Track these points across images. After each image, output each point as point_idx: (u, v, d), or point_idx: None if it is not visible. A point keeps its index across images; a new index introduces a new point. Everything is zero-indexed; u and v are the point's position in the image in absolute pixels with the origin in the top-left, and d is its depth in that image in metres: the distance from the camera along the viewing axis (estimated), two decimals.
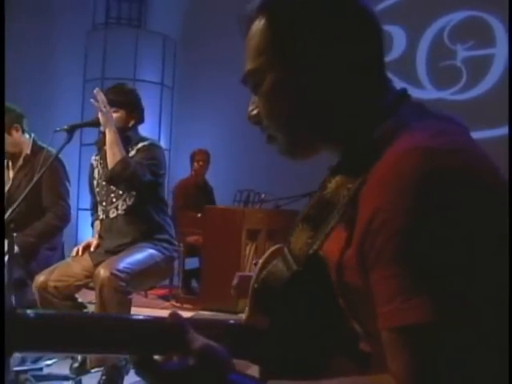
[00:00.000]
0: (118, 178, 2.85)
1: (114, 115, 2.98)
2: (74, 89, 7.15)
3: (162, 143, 7.37)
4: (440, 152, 0.73)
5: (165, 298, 5.83)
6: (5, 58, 3.48)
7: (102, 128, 2.91)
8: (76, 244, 3.29)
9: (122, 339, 0.77)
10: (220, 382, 0.76)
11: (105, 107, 2.80)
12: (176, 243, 3.32)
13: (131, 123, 3.09)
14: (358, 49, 0.88)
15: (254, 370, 0.90)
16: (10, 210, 2.56)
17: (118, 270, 2.71)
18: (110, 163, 2.85)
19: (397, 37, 6.47)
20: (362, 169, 0.80)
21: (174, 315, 0.80)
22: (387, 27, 6.49)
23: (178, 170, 6.82)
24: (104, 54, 7.28)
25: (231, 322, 0.91)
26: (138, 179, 2.88)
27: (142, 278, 2.91)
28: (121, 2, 7.74)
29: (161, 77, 7.50)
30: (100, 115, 2.82)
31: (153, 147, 3.11)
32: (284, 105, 0.91)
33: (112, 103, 2.98)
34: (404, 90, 0.91)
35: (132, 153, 3.04)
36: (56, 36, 7.55)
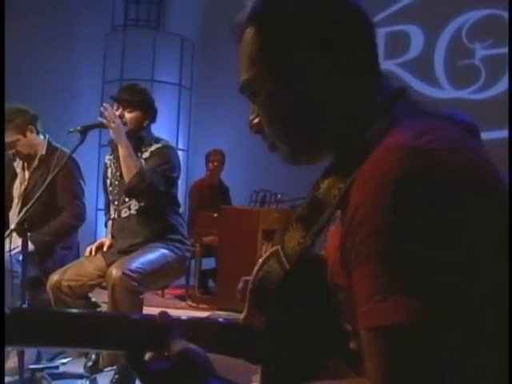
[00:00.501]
0: (135, 190, 2.90)
1: (129, 116, 3.01)
2: (92, 90, 7.21)
3: (180, 144, 7.42)
4: (422, 150, 0.72)
5: (181, 297, 5.85)
6: (5, 58, 3.51)
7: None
8: (95, 242, 3.32)
9: (112, 336, 0.79)
10: None
11: (114, 122, 2.81)
12: (188, 243, 3.33)
13: (145, 123, 3.11)
14: (350, 52, 0.87)
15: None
16: (24, 210, 2.59)
17: (130, 270, 2.74)
18: (126, 177, 2.88)
19: (414, 36, 6.43)
20: (352, 169, 0.80)
21: (162, 315, 0.82)
22: (405, 27, 6.47)
23: (196, 171, 6.86)
24: (122, 55, 7.34)
25: (222, 321, 0.91)
26: (155, 190, 2.92)
27: (154, 277, 2.93)
28: (139, 3, 7.80)
29: (179, 78, 7.54)
30: (111, 132, 2.84)
31: (166, 149, 3.12)
32: (280, 113, 0.91)
33: (127, 104, 3.02)
34: (401, 89, 0.90)
35: (146, 154, 3.06)
36: (75, 37, 7.63)
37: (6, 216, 3.34)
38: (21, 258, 2.59)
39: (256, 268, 0.97)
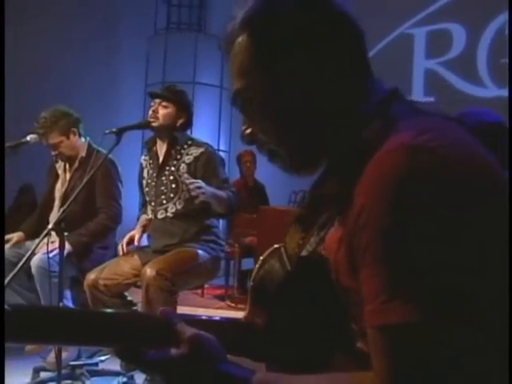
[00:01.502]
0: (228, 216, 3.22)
1: (163, 111, 3.06)
2: (135, 92, 7.34)
3: (222, 145, 7.48)
4: (423, 149, 0.72)
5: (220, 297, 5.90)
6: (4, 58, 3.60)
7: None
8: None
9: (114, 333, 0.80)
10: (210, 371, 0.78)
11: (200, 188, 2.81)
12: (223, 243, 3.35)
13: (179, 122, 3.13)
14: (341, 56, 0.88)
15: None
16: (61, 210, 2.66)
17: (164, 270, 2.77)
18: (219, 209, 2.96)
19: (456, 34, 6.31)
20: (349, 169, 0.80)
21: (164, 311, 0.83)
22: (446, 25, 6.35)
23: (237, 173, 6.89)
24: (165, 58, 7.46)
25: (224, 319, 0.93)
26: (236, 206, 3.06)
27: (188, 277, 2.97)
28: (181, 7, 7.91)
29: (220, 80, 7.60)
30: (203, 198, 2.84)
31: (212, 156, 3.17)
32: (275, 120, 0.91)
33: (162, 99, 3.09)
34: (393, 89, 0.90)
35: (188, 158, 3.09)
36: (118, 40, 7.79)
37: (47, 216, 3.43)
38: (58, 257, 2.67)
39: (257, 266, 0.98)
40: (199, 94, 7.23)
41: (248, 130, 0.95)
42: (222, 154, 6.08)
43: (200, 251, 3.04)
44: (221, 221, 6.30)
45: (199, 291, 5.75)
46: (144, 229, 3.21)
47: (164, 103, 3.07)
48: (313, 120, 0.89)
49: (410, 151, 0.72)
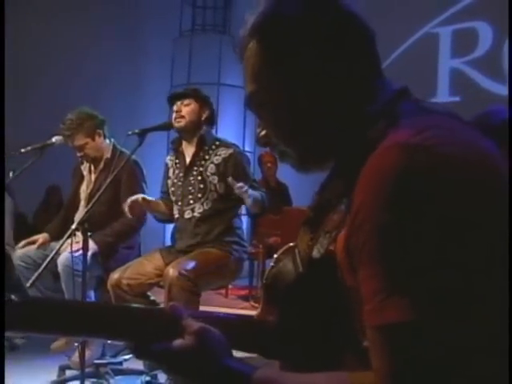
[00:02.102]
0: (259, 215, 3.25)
1: (186, 109, 3.10)
2: (161, 94, 7.38)
3: (247, 146, 7.49)
4: (418, 148, 0.72)
5: (244, 298, 5.91)
6: (5, 58, 3.64)
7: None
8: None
9: (123, 326, 0.83)
10: (211, 363, 0.81)
11: (242, 187, 2.86)
12: (246, 244, 3.37)
13: (204, 116, 3.16)
14: (350, 57, 0.89)
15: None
16: (85, 210, 2.70)
17: (187, 270, 2.79)
18: (254, 209, 3.00)
19: (482, 33, 6.21)
20: (354, 170, 0.81)
21: (172, 307, 0.86)
22: (472, 23, 6.27)
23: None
24: (190, 59, 7.51)
25: (237, 316, 0.95)
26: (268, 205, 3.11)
27: (210, 278, 2.99)
28: (206, 9, 7.96)
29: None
30: (246, 199, 2.90)
31: (242, 156, 3.21)
32: (285, 120, 0.93)
33: (182, 97, 3.14)
34: (401, 89, 0.91)
35: (215, 158, 3.12)
36: (143, 42, 7.87)
37: (72, 218, 3.48)
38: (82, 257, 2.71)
39: (271, 263, 1.00)
40: (224, 95, 7.26)
41: (262, 133, 0.98)
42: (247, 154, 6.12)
43: (223, 252, 3.05)
44: (244, 222, 6.35)
45: (223, 292, 5.78)
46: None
47: (186, 101, 3.11)
48: (320, 121, 0.91)
49: (405, 149, 0.73)
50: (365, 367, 0.85)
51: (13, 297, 0.77)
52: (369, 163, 0.76)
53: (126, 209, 2.97)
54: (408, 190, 0.70)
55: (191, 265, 2.85)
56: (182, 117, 3.09)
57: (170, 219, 3.32)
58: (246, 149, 7.39)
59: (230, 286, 5.85)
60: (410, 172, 0.71)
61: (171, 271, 2.78)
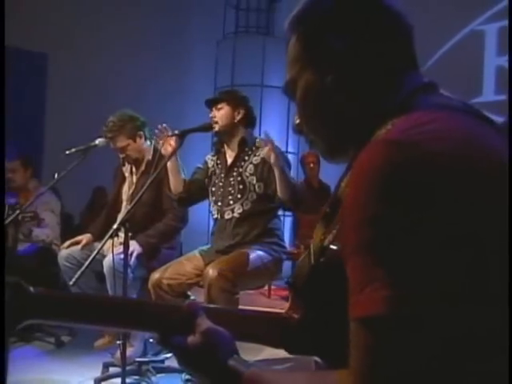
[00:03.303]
0: (292, 206, 3.13)
1: (219, 113, 3.16)
2: (204, 96, 7.43)
3: (290, 147, 7.50)
4: (404, 143, 0.72)
5: (286, 298, 5.87)
6: (4, 58, 3.71)
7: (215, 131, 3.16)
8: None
9: (145, 319, 0.93)
10: (213, 362, 0.88)
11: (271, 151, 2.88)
12: (285, 245, 3.37)
13: (238, 118, 3.19)
14: (382, 50, 0.90)
15: None
16: (125, 211, 2.75)
17: (226, 271, 2.82)
18: (282, 194, 2.96)
19: None
20: None
21: (191, 304, 0.93)
22: None
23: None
24: (233, 61, 7.55)
25: (265, 313, 1.01)
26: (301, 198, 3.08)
27: (249, 278, 3.01)
28: (249, 11, 7.99)
29: None
30: (272, 158, 2.90)
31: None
32: (314, 108, 0.96)
33: (214, 102, 3.20)
34: (425, 83, 0.90)
35: (254, 159, 3.16)
36: (187, 44, 7.96)
37: (114, 218, 3.54)
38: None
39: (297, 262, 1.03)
40: (267, 96, 7.28)
41: (298, 120, 1.02)
42: (290, 156, 6.10)
43: (262, 253, 3.07)
44: (288, 222, 6.34)
45: (266, 292, 5.79)
46: None
47: (218, 106, 3.17)
48: (346, 112, 0.93)
49: (388, 145, 0.73)
50: None
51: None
52: (358, 158, 0.76)
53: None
54: (390, 184, 0.70)
55: (230, 265, 2.88)
56: (216, 122, 3.14)
57: (179, 195, 3.25)
58: (290, 150, 7.40)
59: (272, 287, 5.86)
60: (391, 167, 0.70)
61: (211, 271, 2.81)
